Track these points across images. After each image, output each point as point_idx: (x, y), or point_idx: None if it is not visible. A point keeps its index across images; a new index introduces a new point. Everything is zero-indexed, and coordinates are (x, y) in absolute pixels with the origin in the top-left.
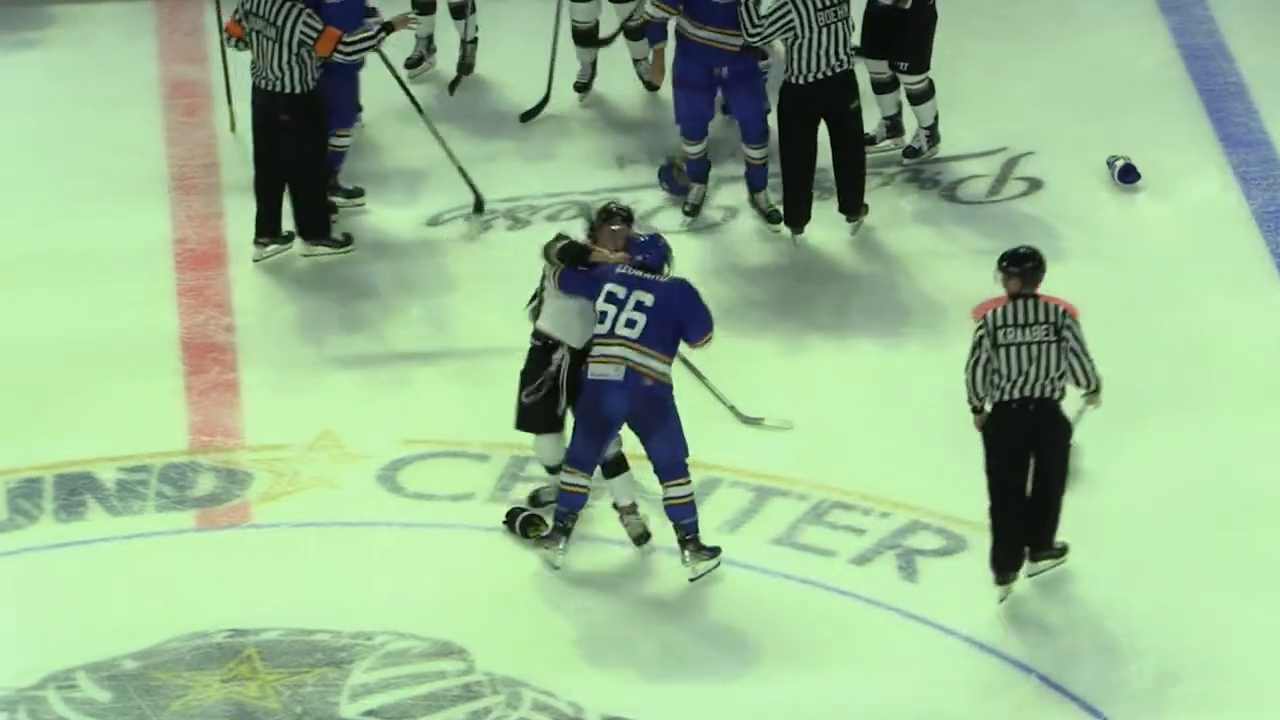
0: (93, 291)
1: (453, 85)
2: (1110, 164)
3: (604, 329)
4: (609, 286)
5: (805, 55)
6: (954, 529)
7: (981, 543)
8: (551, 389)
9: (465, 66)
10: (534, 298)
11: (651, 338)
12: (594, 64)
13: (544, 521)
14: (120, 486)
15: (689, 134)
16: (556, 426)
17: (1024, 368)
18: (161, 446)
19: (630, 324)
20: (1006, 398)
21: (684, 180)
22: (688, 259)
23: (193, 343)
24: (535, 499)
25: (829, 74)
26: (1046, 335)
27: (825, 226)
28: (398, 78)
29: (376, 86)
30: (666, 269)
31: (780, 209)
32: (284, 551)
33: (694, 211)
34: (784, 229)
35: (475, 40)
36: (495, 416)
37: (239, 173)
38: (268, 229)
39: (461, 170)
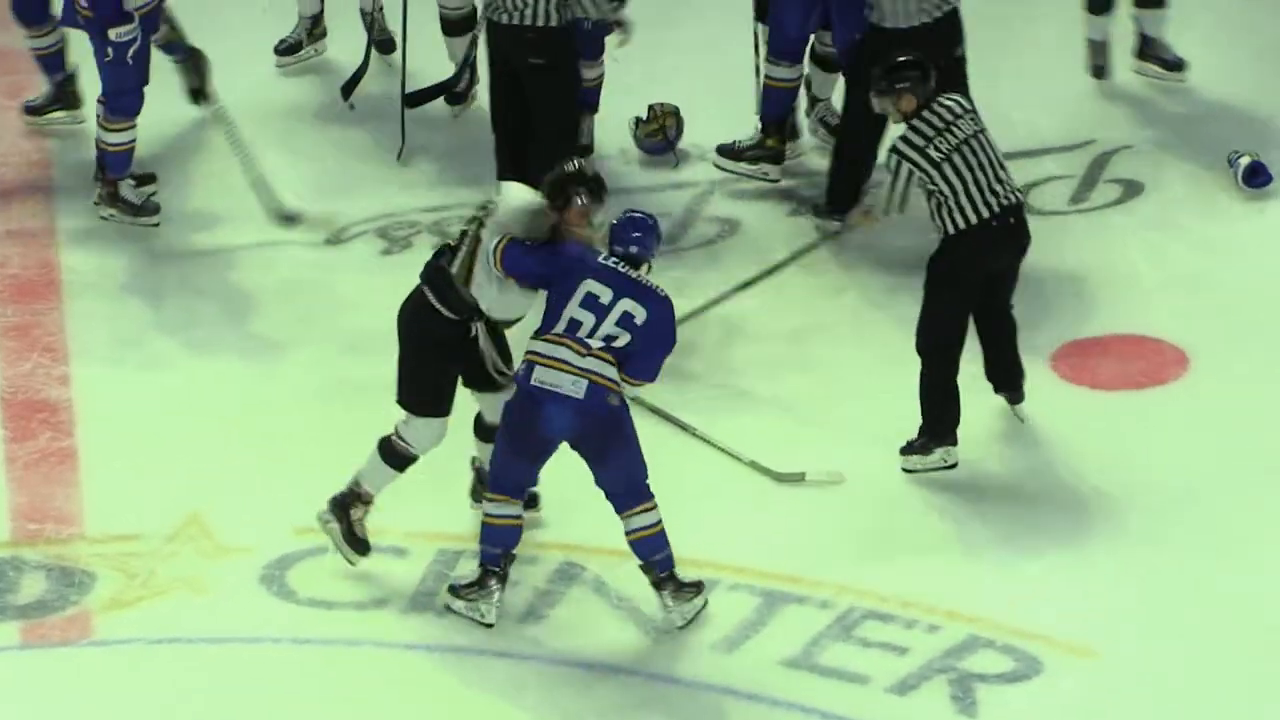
0: None
1: (349, 86)
2: (1232, 162)
3: (563, 328)
4: (588, 285)
5: None
6: (1023, 646)
7: (1061, 663)
8: (444, 366)
9: (379, 41)
10: (452, 254)
11: (627, 356)
12: (473, 64)
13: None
14: None
15: (776, 48)
16: (445, 410)
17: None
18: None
19: (609, 339)
20: (986, 214)
21: (655, 137)
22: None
23: (15, 399)
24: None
25: (925, 20)
26: (975, 124)
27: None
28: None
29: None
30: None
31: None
32: (134, 676)
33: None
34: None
35: (382, 7)
36: (416, 497)
37: (79, 174)
38: None
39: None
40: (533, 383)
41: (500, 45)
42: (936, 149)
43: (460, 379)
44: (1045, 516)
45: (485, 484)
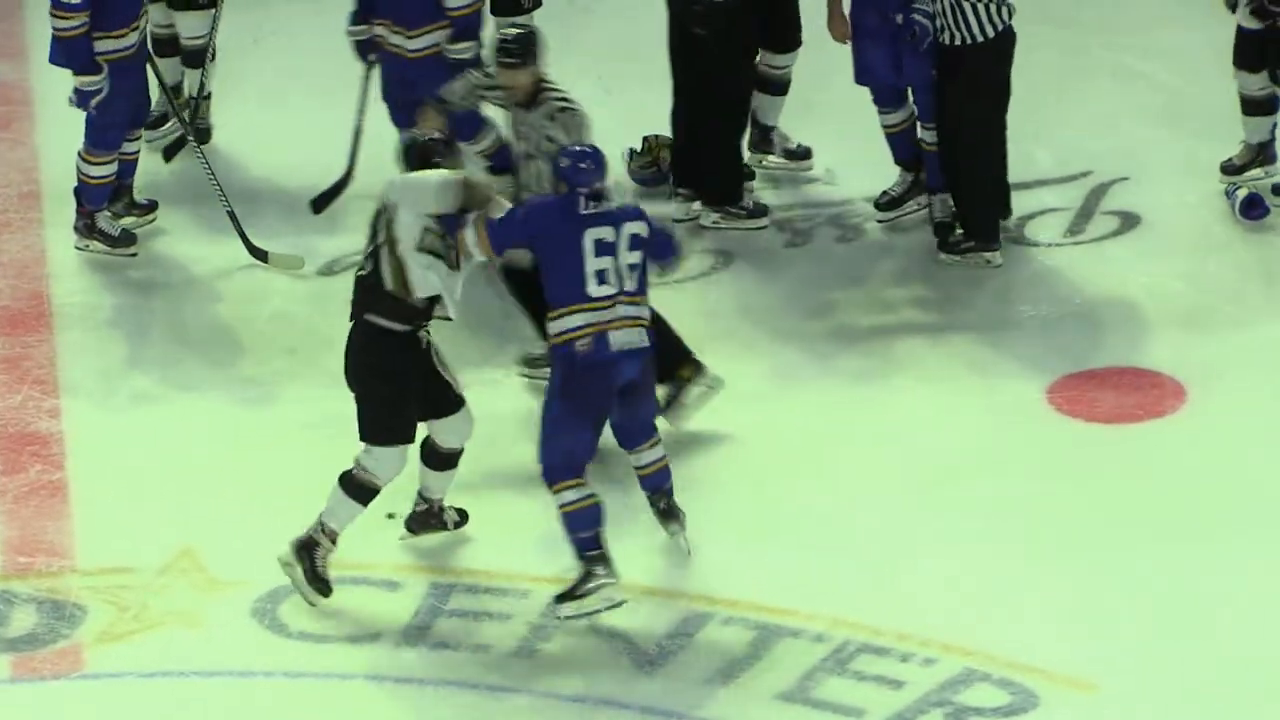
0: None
1: (171, 151)
2: (1229, 194)
3: (602, 290)
4: (594, 233)
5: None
6: (1020, 680)
7: (1058, 696)
8: (407, 387)
9: (197, 129)
10: (372, 256)
11: (643, 279)
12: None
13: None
14: None
15: (879, 96)
16: (410, 436)
17: None
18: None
19: (632, 266)
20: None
21: (649, 170)
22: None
23: (5, 432)
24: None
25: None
26: None
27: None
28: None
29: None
30: None
31: None
32: (126, 709)
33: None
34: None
35: (209, 95)
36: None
37: (70, 206)
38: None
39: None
40: (613, 349)
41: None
42: None
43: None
44: (1042, 549)
45: (434, 512)
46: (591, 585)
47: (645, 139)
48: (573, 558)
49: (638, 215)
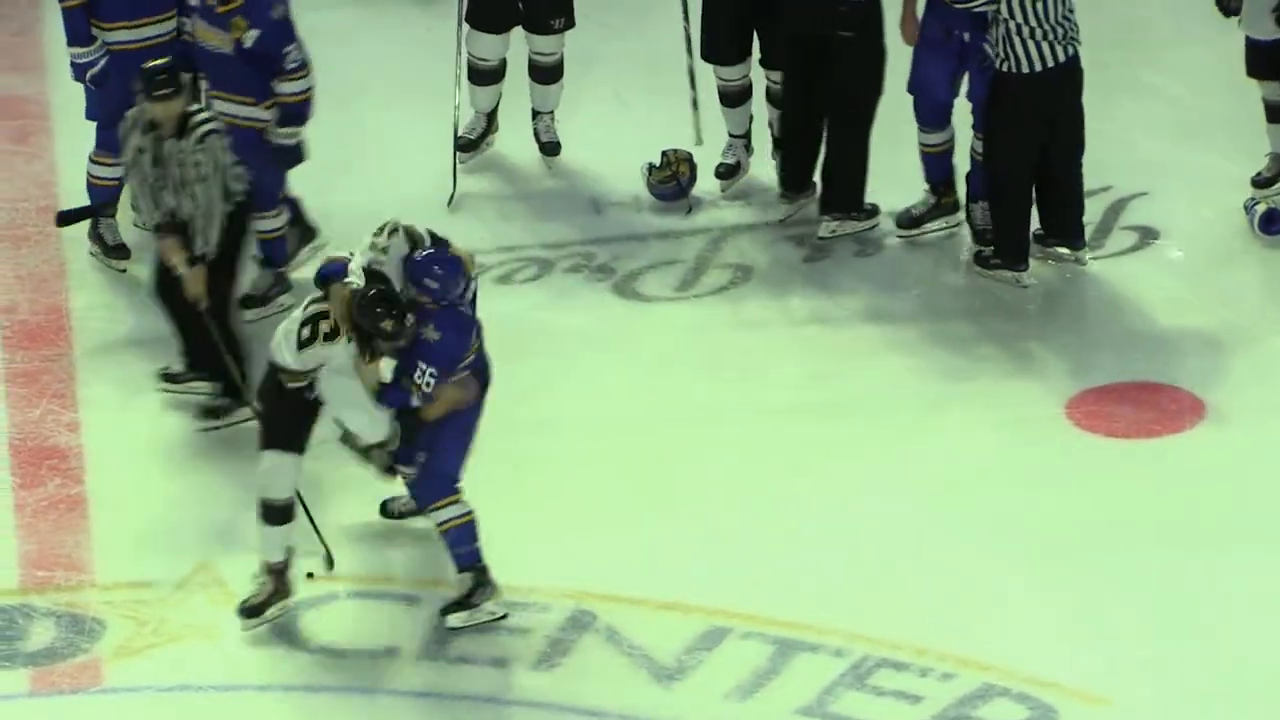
0: None
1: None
2: (1248, 209)
3: None
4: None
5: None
6: (1038, 694)
7: (1075, 711)
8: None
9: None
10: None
11: None
12: (493, 114)
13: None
14: None
15: (926, 115)
16: (302, 448)
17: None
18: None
19: None
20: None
21: (668, 184)
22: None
23: (24, 446)
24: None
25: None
26: None
27: (871, 281)
28: None
29: None
30: None
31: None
32: None
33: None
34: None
35: None
36: (428, 544)
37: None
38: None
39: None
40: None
41: (801, 19)
42: None
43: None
44: (1059, 564)
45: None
46: (480, 597)
47: (664, 153)
48: (457, 570)
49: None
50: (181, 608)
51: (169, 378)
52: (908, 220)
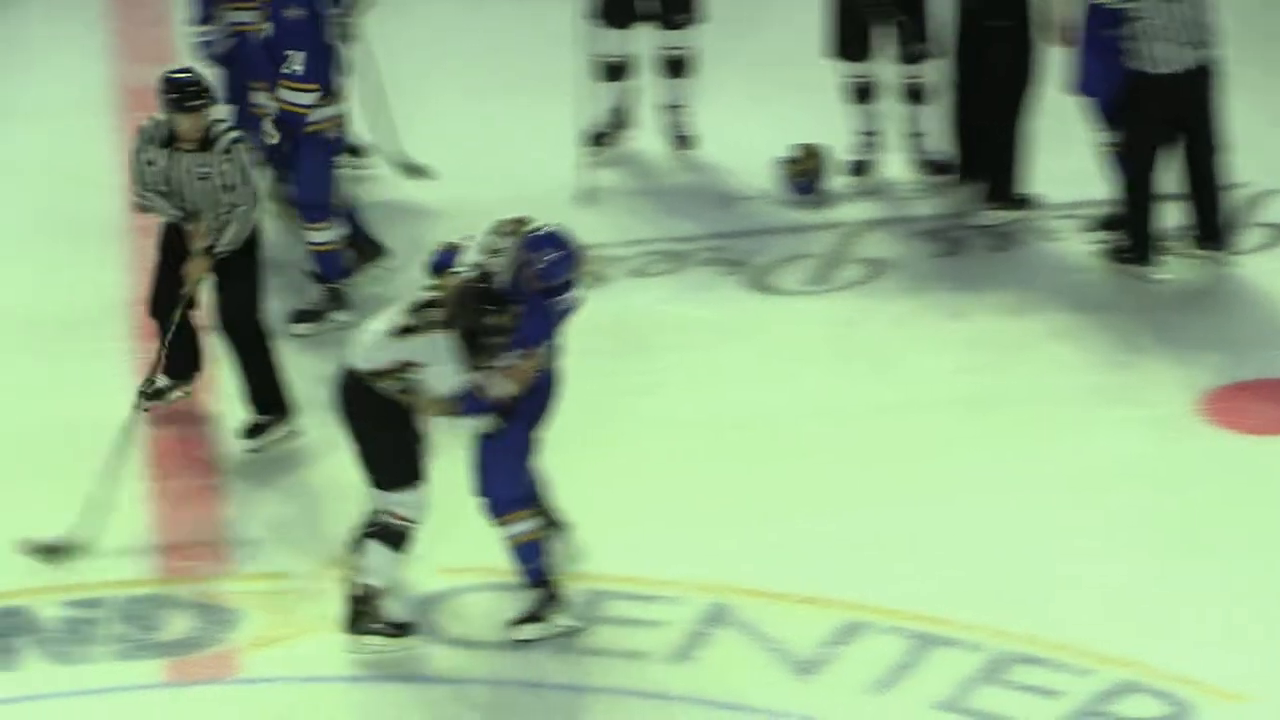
0: (30, 368)
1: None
2: None
3: None
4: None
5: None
6: (1175, 691)
7: (1213, 707)
8: (409, 430)
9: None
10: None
11: None
12: (622, 110)
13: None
14: (67, 626)
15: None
16: (426, 472)
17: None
18: (121, 574)
19: None
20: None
21: (802, 178)
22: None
23: (163, 437)
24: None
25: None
26: None
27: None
28: None
29: None
30: None
31: None
32: (280, 714)
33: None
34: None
35: None
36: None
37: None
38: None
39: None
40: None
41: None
42: None
43: None
44: (1196, 561)
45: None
46: (548, 611)
47: (797, 147)
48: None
49: None
50: (318, 598)
51: (153, 394)
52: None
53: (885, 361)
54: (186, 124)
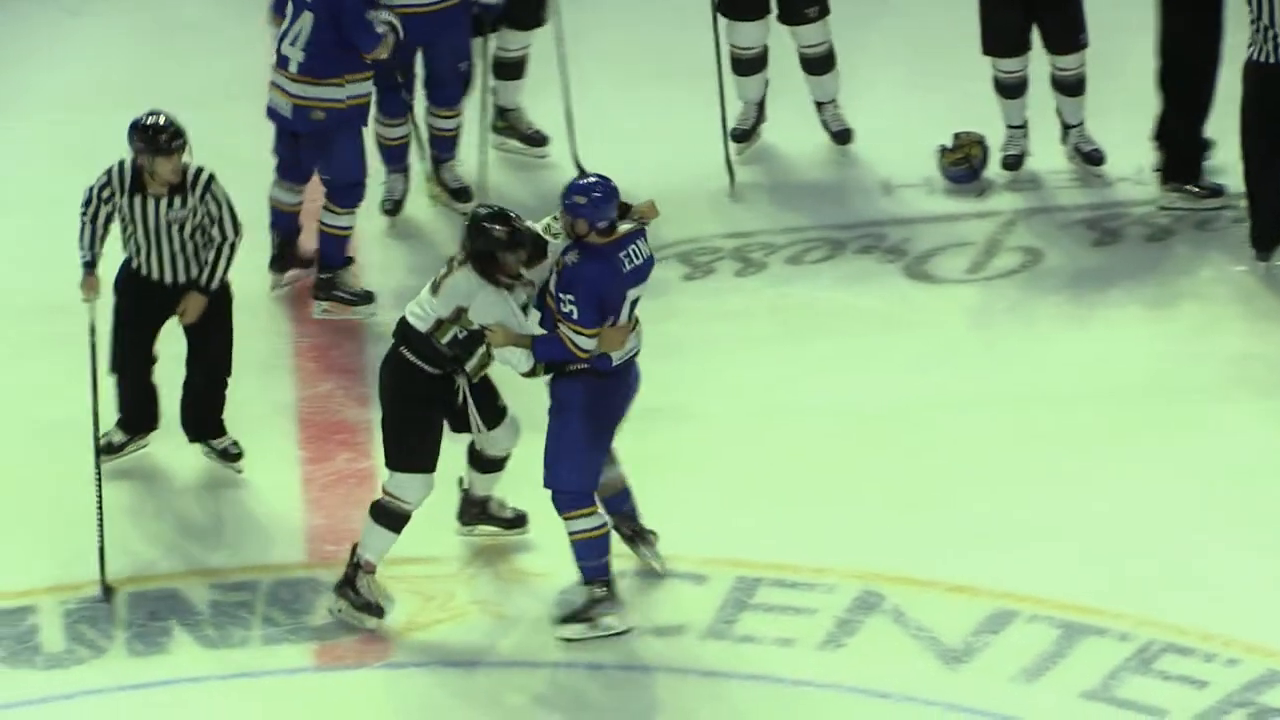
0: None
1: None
2: None
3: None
4: (631, 294)
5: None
6: None
7: None
8: (436, 422)
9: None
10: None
11: None
12: (762, 103)
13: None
14: (215, 610)
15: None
16: (434, 465)
17: None
18: (271, 557)
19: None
20: None
21: (960, 166)
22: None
23: (313, 420)
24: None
25: None
26: None
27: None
28: None
29: None
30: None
31: None
32: (429, 699)
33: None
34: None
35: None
36: (717, 524)
37: (373, 190)
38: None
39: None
40: (616, 363)
41: None
42: None
43: (452, 429)
44: None
45: (476, 506)
46: (597, 612)
47: (956, 135)
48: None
49: (653, 259)
50: (469, 584)
51: (111, 449)
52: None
53: (1038, 351)
54: (166, 168)
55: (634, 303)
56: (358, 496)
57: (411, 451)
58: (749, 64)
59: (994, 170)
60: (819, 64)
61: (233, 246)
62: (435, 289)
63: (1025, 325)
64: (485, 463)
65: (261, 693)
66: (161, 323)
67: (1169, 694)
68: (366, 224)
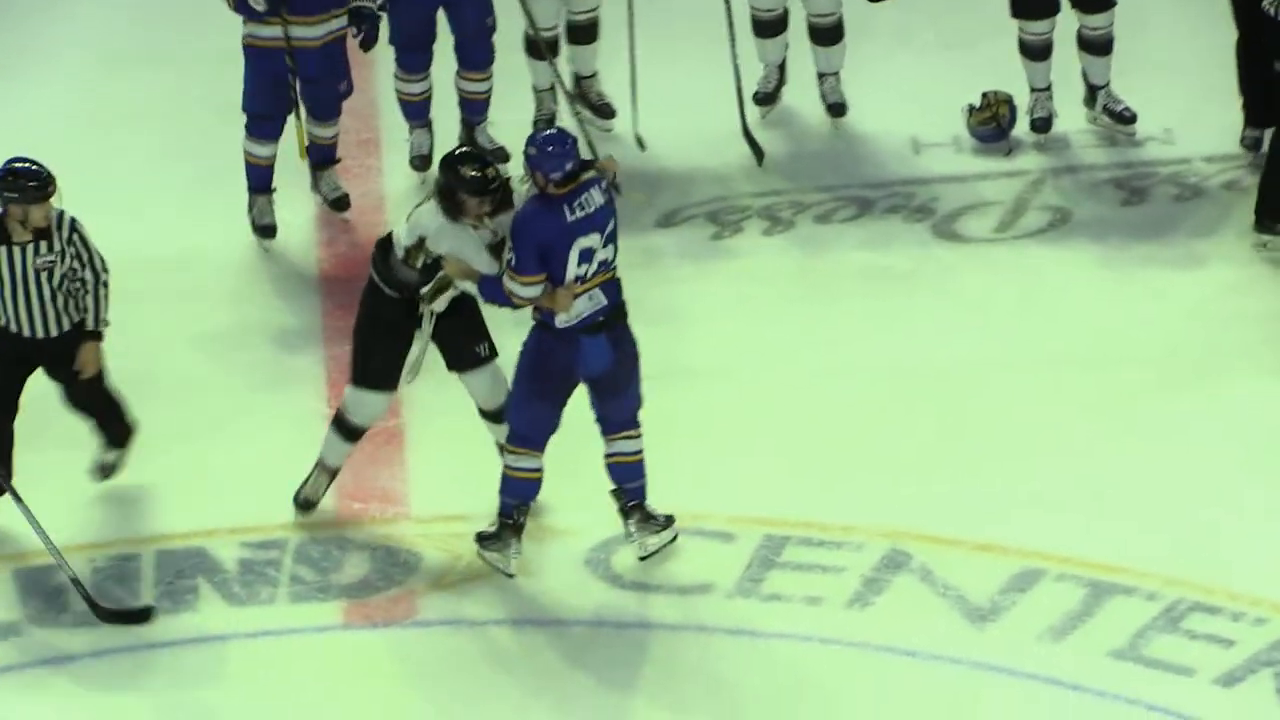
0: (211, 312)
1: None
2: None
3: (577, 275)
4: (581, 243)
5: None
6: None
7: None
8: (392, 346)
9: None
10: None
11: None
12: (783, 65)
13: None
14: (244, 568)
15: None
16: (394, 385)
17: None
18: (299, 515)
19: (604, 263)
20: None
21: (989, 125)
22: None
23: (342, 379)
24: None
25: None
26: None
27: (1189, 225)
28: None
29: None
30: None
31: None
32: (457, 657)
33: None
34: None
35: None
36: (745, 482)
37: (403, 155)
38: None
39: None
40: (562, 326)
41: None
42: None
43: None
44: None
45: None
46: (495, 546)
47: (984, 94)
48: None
49: (610, 207)
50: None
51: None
52: None
53: (1067, 311)
54: (38, 214)
55: (587, 253)
56: (386, 455)
57: (364, 370)
58: (769, 26)
59: (1021, 130)
60: (827, 34)
61: (106, 285)
62: (407, 219)
63: (1053, 284)
64: (484, 414)
65: (289, 651)
66: (26, 379)
67: (1196, 653)
68: (397, 181)
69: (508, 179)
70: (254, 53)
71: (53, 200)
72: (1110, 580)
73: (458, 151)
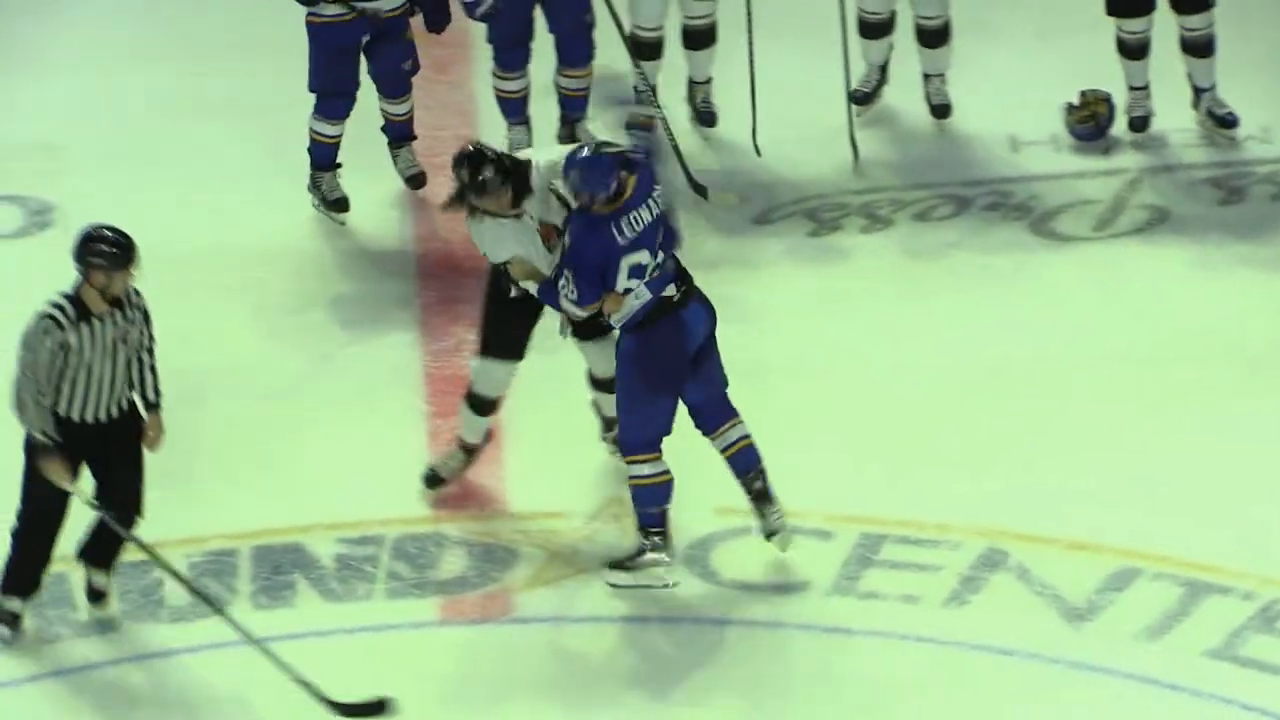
0: (307, 307)
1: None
2: None
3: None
4: (629, 260)
5: None
6: None
7: None
8: (510, 319)
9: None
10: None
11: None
12: (885, 66)
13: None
14: (341, 564)
15: None
16: (519, 355)
17: None
18: (396, 511)
19: (655, 269)
20: None
21: (1087, 124)
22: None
23: (439, 374)
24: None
25: None
26: None
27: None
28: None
29: None
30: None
31: None
32: (553, 654)
33: None
34: None
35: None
36: (842, 480)
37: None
38: None
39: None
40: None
41: None
42: None
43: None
44: None
45: (606, 421)
46: (646, 560)
47: (1083, 93)
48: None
49: (660, 223)
50: (593, 539)
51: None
52: None
53: (1164, 309)
54: (120, 284)
55: (638, 269)
56: (483, 451)
57: (490, 340)
58: (877, 28)
59: (1120, 128)
60: (935, 36)
61: (154, 354)
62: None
63: (1151, 283)
64: (595, 382)
65: (385, 647)
66: (79, 470)
67: None
68: None
69: (516, 164)
70: (316, 29)
71: (132, 273)
72: (1206, 580)
73: (457, 153)
